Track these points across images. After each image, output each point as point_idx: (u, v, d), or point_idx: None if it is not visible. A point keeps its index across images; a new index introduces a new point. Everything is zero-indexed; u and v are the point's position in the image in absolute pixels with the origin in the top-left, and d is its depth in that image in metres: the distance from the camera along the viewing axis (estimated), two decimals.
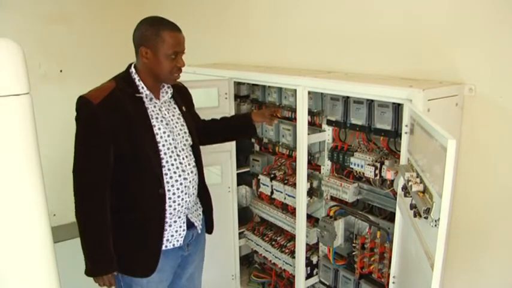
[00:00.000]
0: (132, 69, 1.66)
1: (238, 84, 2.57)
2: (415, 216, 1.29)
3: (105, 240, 1.60)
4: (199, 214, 1.84)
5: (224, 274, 2.65)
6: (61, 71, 3.41)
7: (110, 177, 1.59)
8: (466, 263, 1.84)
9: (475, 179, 1.76)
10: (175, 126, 1.70)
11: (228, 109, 2.39)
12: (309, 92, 2.06)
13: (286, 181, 2.36)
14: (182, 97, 1.83)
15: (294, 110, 2.24)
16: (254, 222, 2.78)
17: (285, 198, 2.36)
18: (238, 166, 2.61)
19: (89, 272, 1.60)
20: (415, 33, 1.88)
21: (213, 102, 2.38)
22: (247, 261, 2.94)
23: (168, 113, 1.70)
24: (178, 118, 1.73)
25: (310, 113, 2.16)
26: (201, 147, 1.82)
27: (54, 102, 3.25)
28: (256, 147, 2.76)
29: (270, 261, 2.58)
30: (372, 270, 2.00)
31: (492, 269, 1.78)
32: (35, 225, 1.10)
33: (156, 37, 1.56)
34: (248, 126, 2.05)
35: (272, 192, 2.45)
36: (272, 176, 2.46)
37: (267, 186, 2.47)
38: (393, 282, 1.72)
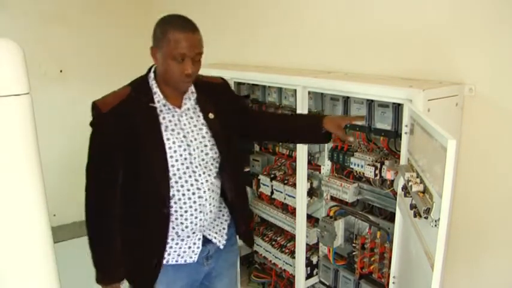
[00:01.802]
0: (151, 74, 1.53)
1: (238, 85, 2.57)
2: (415, 216, 1.29)
3: (112, 249, 1.56)
4: (223, 229, 1.71)
5: None
6: (61, 71, 3.41)
7: (118, 189, 1.52)
8: (466, 263, 1.84)
9: (475, 179, 1.76)
10: (195, 139, 1.54)
11: None
12: (309, 92, 2.06)
13: (286, 181, 2.36)
14: (214, 99, 1.62)
15: (294, 110, 2.24)
16: (254, 222, 2.78)
17: (285, 198, 2.36)
18: None
19: (97, 279, 1.58)
20: (415, 34, 1.88)
21: None
22: (247, 261, 2.94)
23: (189, 123, 1.55)
24: (200, 129, 1.56)
25: (310, 113, 2.16)
26: None
27: (54, 102, 3.26)
28: (256, 147, 2.76)
29: (270, 261, 2.57)
30: (372, 270, 2.00)
31: (492, 268, 1.78)
32: (35, 225, 1.10)
33: (163, 37, 1.41)
34: (315, 133, 1.66)
35: (272, 192, 2.45)
36: (272, 176, 2.45)
37: (267, 186, 2.47)
38: (393, 283, 1.72)
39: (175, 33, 1.40)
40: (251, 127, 1.76)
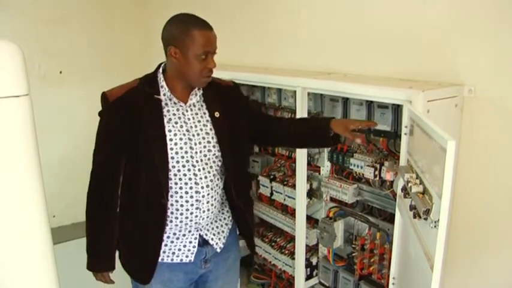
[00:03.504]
0: (160, 69, 1.58)
1: None
2: (414, 217, 1.29)
3: (106, 239, 1.61)
4: (222, 232, 1.71)
5: None
6: (61, 72, 3.41)
7: (120, 177, 1.58)
8: (466, 264, 1.84)
9: (475, 180, 1.76)
10: (198, 134, 1.57)
11: None
12: (309, 93, 2.06)
13: (285, 182, 2.36)
14: (223, 99, 1.65)
15: (293, 111, 2.24)
16: (254, 223, 2.78)
17: (284, 199, 2.36)
18: None
19: (87, 266, 1.63)
20: (414, 35, 1.88)
21: None
22: (246, 262, 2.94)
23: (194, 118, 1.58)
24: (204, 125, 1.59)
25: (310, 114, 2.16)
26: None
27: (54, 104, 3.25)
28: (256, 148, 2.76)
29: (270, 262, 2.57)
30: (371, 271, 2.00)
31: (492, 269, 1.78)
32: (35, 227, 1.10)
33: (186, 36, 1.45)
34: (323, 135, 1.63)
35: (272, 194, 2.45)
36: (272, 177, 2.45)
37: (267, 187, 2.47)
38: (393, 284, 1.72)
39: (200, 32, 1.47)
40: (260, 131, 1.77)
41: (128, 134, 1.51)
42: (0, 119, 1.00)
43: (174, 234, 1.62)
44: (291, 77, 2.10)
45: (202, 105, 1.62)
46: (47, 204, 1.12)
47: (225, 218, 1.74)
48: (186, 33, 1.46)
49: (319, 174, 2.29)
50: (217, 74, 2.42)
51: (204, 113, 1.61)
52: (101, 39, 3.51)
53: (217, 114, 1.61)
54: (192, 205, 1.57)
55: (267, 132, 1.78)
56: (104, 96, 1.53)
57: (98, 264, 1.64)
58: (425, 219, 1.20)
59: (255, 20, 2.70)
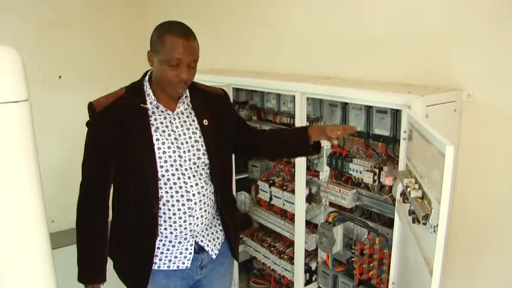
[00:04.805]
0: (146, 78, 1.56)
1: (236, 91, 2.58)
2: (413, 222, 1.29)
3: (96, 250, 1.60)
4: (217, 238, 1.70)
5: None
6: (60, 76, 3.41)
7: (109, 187, 1.57)
8: (465, 269, 1.84)
9: (474, 185, 1.76)
10: (186, 142, 1.55)
11: None
12: (308, 98, 2.07)
13: (285, 187, 2.36)
14: (212, 107, 1.64)
15: (292, 116, 2.24)
16: (253, 228, 2.78)
17: (283, 204, 2.36)
18: (237, 172, 2.60)
19: (78, 278, 1.61)
20: (413, 39, 1.89)
21: None
22: (246, 267, 2.93)
23: (182, 126, 1.56)
24: (193, 132, 1.58)
25: (309, 119, 2.17)
26: None
27: (53, 108, 3.25)
28: None
29: (269, 267, 2.57)
30: (371, 276, 1.99)
31: (491, 274, 1.78)
32: (33, 232, 1.09)
33: (158, 40, 1.44)
34: (303, 144, 1.62)
35: (271, 198, 2.45)
36: (271, 182, 2.45)
37: (266, 192, 2.47)
38: None
39: (172, 38, 1.42)
40: (242, 142, 1.76)
41: (116, 144, 1.50)
42: (0, 124, 1.00)
43: (170, 241, 1.60)
44: (289, 82, 2.10)
45: (190, 113, 1.61)
46: (46, 209, 1.12)
47: (219, 225, 1.73)
48: (159, 37, 1.44)
49: (319, 179, 2.29)
50: (216, 78, 2.44)
51: (193, 121, 1.60)
52: (100, 44, 3.51)
53: (205, 122, 1.60)
54: (184, 213, 1.56)
55: (250, 144, 1.77)
56: (91, 106, 1.51)
57: (88, 276, 1.62)
58: (425, 224, 1.20)
59: (254, 25, 2.70)
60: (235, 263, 2.09)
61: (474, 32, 1.70)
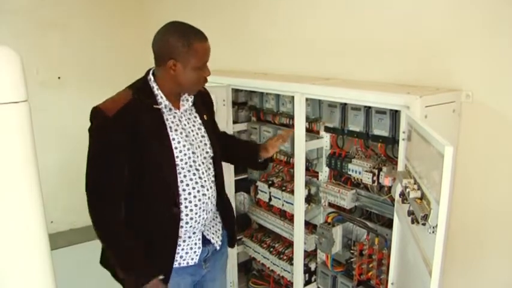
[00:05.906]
0: (151, 77, 1.55)
1: (236, 91, 2.58)
2: (412, 222, 1.29)
3: (133, 250, 1.51)
4: (218, 230, 1.74)
5: None
6: (59, 77, 3.41)
7: (124, 192, 1.51)
8: (464, 269, 1.84)
9: (473, 186, 1.76)
10: (196, 138, 1.60)
11: (226, 116, 2.39)
12: (307, 99, 2.07)
13: (284, 188, 2.36)
14: (204, 104, 1.73)
15: (291, 117, 2.24)
16: (252, 229, 2.77)
17: (283, 204, 2.36)
18: (236, 173, 2.61)
19: (135, 285, 1.51)
20: (412, 40, 1.89)
21: None
22: (245, 268, 2.93)
23: (188, 123, 1.61)
24: (199, 128, 1.63)
25: (308, 119, 2.17)
26: None
27: (52, 109, 3.25)
28: None
29: (268, 268, 2.57)
30: (370, 276, 1.99)
31: (490, 274, 1.78)
32: (32, 232, 1.09)
33: (188, 49, 1.46)
34: (254, 159, 1.87)
35: (270, 199, 2.45)
36: (270, 182, 2.45)
37: (265, 192, 2.47)
38: None
39: (201, 45, 1.49)
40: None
41: (134, 147, 1.46)
42: None
43: (180, 237, 1.60)
44: (289, 83, 2.10)
45: (192, 110, 1.66)
46: (45, 209, 1.12)
47: (217, 217, 1.77)
48: (188, 47, 1.46)
49: (318, 179, 2.29)
50: (216, 79, 2.44)
51: (195, 117, 1.65)
52: (99, 45, 3.52)
53: (205, 117, 1.68)
54: (200, 208, 1.59)
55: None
56: (100, 111, 1.45)
57: (141, 275, 1.51)
58: (424, 224, 1.20)
59: (253, 26, 2.71)
60: (236, 264, 2.08)
61: (473, 33, 1.70)
